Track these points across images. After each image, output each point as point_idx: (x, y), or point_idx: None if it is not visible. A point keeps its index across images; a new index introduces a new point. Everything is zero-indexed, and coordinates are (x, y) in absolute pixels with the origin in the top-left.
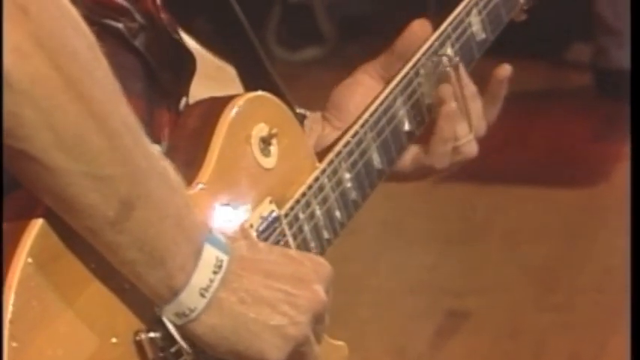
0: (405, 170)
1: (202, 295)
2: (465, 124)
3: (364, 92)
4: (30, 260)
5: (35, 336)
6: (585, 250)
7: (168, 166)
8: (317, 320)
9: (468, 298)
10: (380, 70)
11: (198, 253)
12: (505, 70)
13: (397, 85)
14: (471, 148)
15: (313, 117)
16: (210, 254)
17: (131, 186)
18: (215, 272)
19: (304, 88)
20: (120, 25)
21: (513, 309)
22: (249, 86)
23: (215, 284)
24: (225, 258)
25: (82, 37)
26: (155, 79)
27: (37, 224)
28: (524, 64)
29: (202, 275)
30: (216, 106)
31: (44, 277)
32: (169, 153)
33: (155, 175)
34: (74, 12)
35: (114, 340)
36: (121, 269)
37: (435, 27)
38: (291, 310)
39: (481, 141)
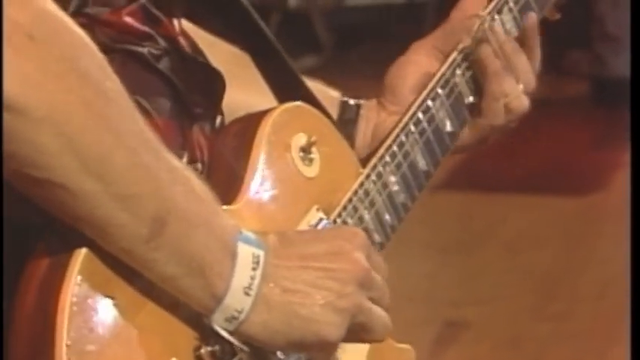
0: (465, 138)
1: (247, 294)
2: (512, 80)
3: (418, 71)
4: (80, 282)
5: (98, 355)
6: (584, 259)
7: (192, 176)
8: (365, 287)
9: (467, 308)
10: (436, 44)
11: (233, 254)
12: (531, 17)
13: (434, 86)
14: (521, 103)
15: (368, 105)
16: (246, 252)
17: (159, 201)
18: (254, 269)
19: None
20: (145, 50)
21: (513, 318)
22: (282, 98)
23: (257, 280)
24: (261, 253)
25: (91, 57)
26: (183, 100)
27: (82, 251)
28: None
29: (242, 274)
30: (253, 121)
31: (96, 299)
32: (210, 172)
33: (180, 187)
34: (81, 33)
35: (174, 359)
36: (163, 285)
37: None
38: (335, 284)
39: (479, 150)
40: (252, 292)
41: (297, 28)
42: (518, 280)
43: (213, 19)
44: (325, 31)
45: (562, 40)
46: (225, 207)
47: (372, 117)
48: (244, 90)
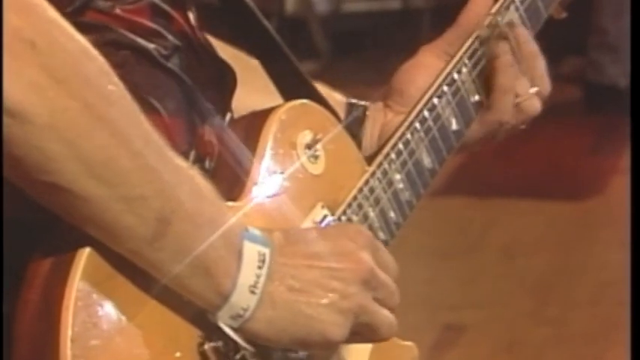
0: (473, 135)
1: (252, 292)
2: (525, 81)
3: (427, 74)
4: (84, 279)
5: (97, 354)
6: (580, 263)
7: (196, 175)
8: (370, 287)
9: (464, 312)
10: (446, 47)
11: (238, 252)
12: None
13: (440, 84)
14: (533, 105)
15: (374, 106)
16: (252, 250)
17: (163, 202)
18: (260, 267)
19: None
20: (152, 46)
21: (510, 322)
22: (288, 96)
23: (262, 279)
24: (266, 251)
25: (92, 62)
26: (194, 98)
27: (86, 249)
28: None
29: (248, 272)
30: (258, 118)
31: (101, 295)
32: (216, 168)
33: (185, 186)
34: (81, 38)
35: (178, 354)
36: (169, 284)
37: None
38: (339, 284)
39: (476, 155)
40: (258, 291)
41: (294, 35)
42: (515, 285)
43: (220, 22)
44: (322, 37)
45: (560, 47)
46: (230, 203)
47: (378, 118)
48: (253, 93)
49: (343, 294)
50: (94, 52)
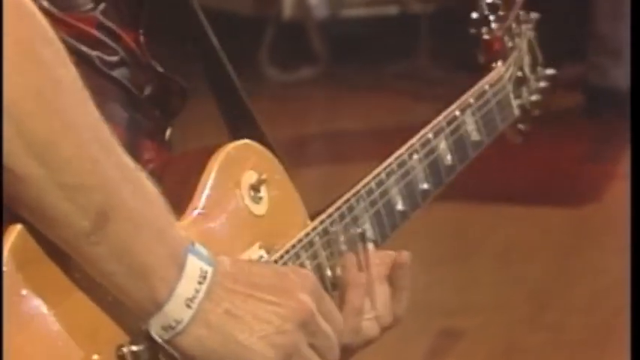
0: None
1: (188, 306)
2: (367, 301)
3: None
4: (8, 257)
5: (15, 333)
6: (578, 269)
7: (144, 178)
8: (307, 331)
9: (461, 317)
10: None
11: (181, 264)
12: (404, 256)
13: (392, 163)
14: (372, 328)
15: None
16: (194, 266)
17: (104, 196)
18: (200, 282)
19: (298, 108)
20: (94, 54)
21: (507, 328)
22: (235, 134)
23: (201, 295)
24: (209, 269)
25: (48, 44)
26: (138, 110)
27: (17, 227)
28: None
29: (187, 286)
30: (204, 153)
31: (23, 277)
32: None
33: (130, 186)
34: (41, 19)
35: (95, 356)
36: (102, 281)
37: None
38: (277, 319)
39: (474, 161)
40: (194, 306)
41: (292, 40)
42: (512, 291)
43: (171, 46)
44: (321, 42)
45: (559, 54)
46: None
47: None
48: None
49: (279, 329)
50: (53, 36)
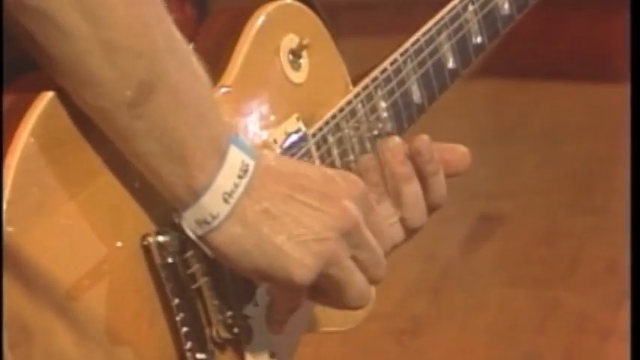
0: None
1: (226, 201)
2: (388, 205)
3: None
4: (32, 140)
5: (34, 224)
6: (625, 150)
7: (191, 54)
8: (350, 241)
9: (501, 201)
10: None
11: (222, 154)
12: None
13: (443, 17)
14: (397, 233)
15: None
16: (236, 157)
17: (151, 64)
18: (240, 177)
19: None
20: None
21: (549, 212)
22: None
23: (240, 189)
24: (251, 163)
25: None
26: None
27: (46, 98)
28: None
29: (227, 178)
30: (242, 13)
31: (47, 161)
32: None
33: (177, 58)
34: None
35: (119, 244)
36: (135, 162)
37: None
38: (318, 225)
39: (516, 33)
40: (232, 201)
41: None
42: (555, 173)
43: None
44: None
45: None
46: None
47: None
48: None
49: (319, 236)
50: None
